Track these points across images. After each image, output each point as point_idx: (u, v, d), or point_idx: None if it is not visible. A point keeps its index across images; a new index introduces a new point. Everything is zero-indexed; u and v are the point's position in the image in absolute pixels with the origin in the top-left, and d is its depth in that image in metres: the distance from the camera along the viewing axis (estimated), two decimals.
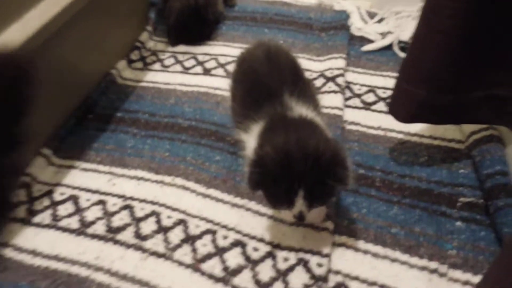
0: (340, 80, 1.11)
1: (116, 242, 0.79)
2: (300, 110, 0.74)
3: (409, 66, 0.77)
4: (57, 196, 0.88)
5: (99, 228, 0.82)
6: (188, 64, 1.25)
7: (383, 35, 1.27)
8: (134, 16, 1.29)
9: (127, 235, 0.80)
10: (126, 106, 1.11)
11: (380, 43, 1.24)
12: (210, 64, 1.23)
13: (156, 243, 0.78)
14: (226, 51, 1.28)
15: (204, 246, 0.77)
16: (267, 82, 0.77)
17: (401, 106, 0.82)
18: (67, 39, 0.94)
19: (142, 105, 1.11)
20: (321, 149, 0.64)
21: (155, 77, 1.20)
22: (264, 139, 0.69)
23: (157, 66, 1.25)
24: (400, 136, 0.97)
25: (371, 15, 1.36)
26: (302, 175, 0.64)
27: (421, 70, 0.75)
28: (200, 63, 1.24)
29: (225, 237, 0.79)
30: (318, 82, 1.12)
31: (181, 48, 1.31)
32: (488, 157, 0.83)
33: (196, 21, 1.30)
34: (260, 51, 0.83)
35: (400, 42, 1.22)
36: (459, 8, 0.65)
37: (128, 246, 0.78)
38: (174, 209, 0.84)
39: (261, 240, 0.78)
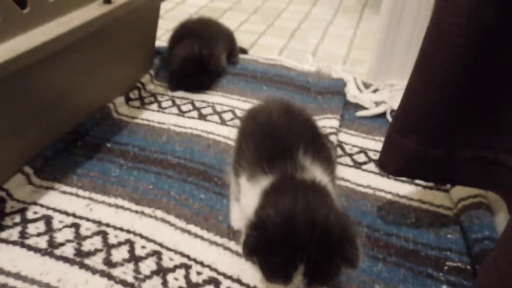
0: (332, 138, 1.11)
1: (83, 266, 0.74)
2: (313, 172, 0.66)
3: (401, 117, 0.78)
4: (30, 214, 0.84)
5: (68, 250, 0.77)
6: (185, 108, 1.26)
7: (377, 103, 1.30)
8: (138, 59, 1.33)
9: (95, 261, 0.75)
10: (117, 138, 1.10)
11: (374, 110, 1.27)
12: (206, 111, 1.25)
13: (125, 272, 0.74)
14: (223, 101, 1.30)
15: (175, 280, 0.73)
16: (283, 136, 0.70)
17: (390, 158, 0.82)
18: (65, 65, 0.95)
19: (133, 139, 1.10)
20: (331, 221, 0.57)
21: (151, 116, 1.21)
22: (268, 200, 0.62)
23: (154, 106, 1.26)
24: (389, 196, 0.96)
25: (366, 86, 1.41)
26: (306, 248, 0.55)
27: (412, 121, 0.76)
28: (197, 109, 1.25)
29: (199, 273, 0.74)
30: None
31: (180, 93, 1.33)
32: (477, 222, 0.81)
33: (198, 70, 1.33)
34: (279, 105, 0.78)
35: (393, 111, 1.25)
36: (453, 62, 0.67)
37: (95, 271, 0.73)
38: (150, 240, 0.80)
39: (237, 280, 0.74)
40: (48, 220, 0.83)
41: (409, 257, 0.80)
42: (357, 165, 1.06)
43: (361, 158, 1.09)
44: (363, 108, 1.30)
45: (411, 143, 0.77)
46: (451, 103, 0.71)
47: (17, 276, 0.72)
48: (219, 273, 0.75)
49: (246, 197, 0.69)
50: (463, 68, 0.67)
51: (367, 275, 0.77)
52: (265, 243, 0.57)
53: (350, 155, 1.10)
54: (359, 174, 1.02)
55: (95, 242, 0.79)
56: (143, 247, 0.79)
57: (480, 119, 0.73)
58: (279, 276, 0.58)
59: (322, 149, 0.73)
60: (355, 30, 1.92)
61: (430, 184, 0.99)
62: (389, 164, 0.83)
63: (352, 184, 0.99)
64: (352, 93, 1.36)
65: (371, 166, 1.06)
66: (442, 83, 0.69)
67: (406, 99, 0.78)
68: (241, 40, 1.70)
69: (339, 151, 1.11)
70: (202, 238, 0.82)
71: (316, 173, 0.66)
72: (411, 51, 1.33)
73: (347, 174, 1.02)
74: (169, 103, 1.28)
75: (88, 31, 0.93)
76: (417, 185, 0.99)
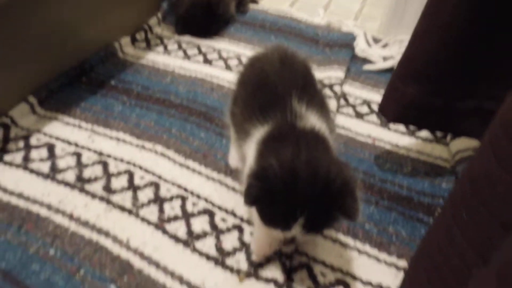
0: (336, 88, 1.11)
1: (83, 191, 0.76)
2: (309, 119, 0.65)
3: (405, 63, 0.78)
4: (33, 141, 0.86)
5: (69, 176, 0.79)
6: (190, 52, 1.25)
7: (385, 59, 1.29)
8: (145, 1, 1.31)
9: (95, 187, 0.77)
10: (122, 76, 1.10)
11: (381, 64, 1.26)
12: (212, 56, 1.24)
13: (123, 199, 0.76)
14: (230, 47, 1.29)
15: (172, 209, 0.75)
16: (276, 84, 0.68)
17: (391, 104, 0.82)
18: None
19: (138, 78, 1.10)
20: (333, 175, 0.56)
21: (156, 58, 1.20)
22: (269, 150, 0.61)
23: (160, 49, 1.25)
24: (388, 146, 0.96)
25: (376, 40, 1.39)
26: (307, 200, 0.55)
27: (414, 69, 0.75)
28: (203, 53, 1.25)
29: (194, 204, 0.76)
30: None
31: (186, 38, 1.32)
32: None
33: (206, 15, 1.32)
34: (276, 53, 0.75)
35: None
36: (454, 12, 0.66)
37: (95, 196, 0.76)
38: (149, 172, 0.82)
39: (231, 213, 0.76)
40: (50, 147, 0.85)
41: (402, 202, 0.82)
42: (359, 115, 1.06)
43: (364, 109, 1.09)
44: (371, 62, 1.29)
45: (412, 90, 0.77)
46: (453, 52, 0.70)
47: (20, 195, 0.74)
48: (214, 205, 0.77)
49: (241, 146, 0.69)
50: (466, 16, 0.66)
51: None
52: (267, 193, 0.56)
53: (353, 106, 1.10)
54: (360, 124, 1.03)
55: (96, 170, 0.81)
56: (142, 177, 0.81)
57: (483, 70, 0.73)
58: (278, 225, 0.59)
59: (317, 97, 0.72)
60: None
61: (430, 136, 0.99)
62: (389, 110, 0.83)
63: (352, 132, 1.00)
64: (361, 47, 1.34)
65: (373, 117, 1.06)
66: (444, 32, 0.69)
67: (410, 47, 0.77)
68: None
69: (342, 102, 1.10)
70: (199, 173, 0.83)
71: (312, 120, 0.66)
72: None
73: (348, 123, 1.03)
74: (175, 46, 1.27)
75: None
76: (417, 137, 0.99)
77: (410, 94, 0.78)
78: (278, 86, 0.67)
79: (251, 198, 0.57)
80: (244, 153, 0.69)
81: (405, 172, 0.90)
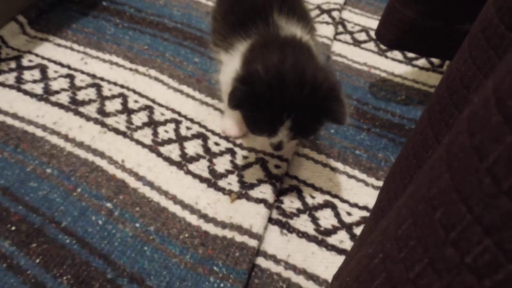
0: (335, 13, 1.08)
1: (78, 113, 0.77)
2: (292, 29, 0.65)
3: None
4: (25, 62, 0.85)
5: (63, 98, 0.79)
6: None
7: None
8: None
9: (89, 109, 0.78)
10: None
11: None
12: None
13: (118, 121, 0.76)
14: None
15: (166, 132, 0.76)
16: None
17: (388, 28, 0.80)
18: None
19: (131, 0, 1.06)
20: (319, 79, 0.57)
21: None
22: (254, 57, 0.61)
23: None
24: (383, 74, 0.96)
25: None
26: (294, 104, 0.56)
27: None
28: None
29: (188, 128, 0.77)
30: (313, 14, 1.10)
31: None
32: None
33: None
34: None
35: None
36: None
37: (89, 118, 0.76)
38: (143, 96, 0.82)
39: (224, 137, 0.77)
40: (43, 69, 0.84)
41: (393, 129, 0.83)
42: (357, 43, 1.04)
43: (361, 36, 1.07)
44: None
45: (410, 12, 0.75)
46: None
47: (15, 116, 0.75)
48: (207, 130, 0.78)
49: (227, 66, 0.69)
50: None
51: (349, 142, 0.80)
52: (252, 97, 0.57)
53: (351, 33, 1.07)
54: (357, 52, 1.01)
55: (90, 93, 0.81)
56: (136, 101, 0.81)
57: None
58: (264, 130, 0.60)
59: (296, 5, 0.70)
60: None
61: (427, 65, 0.98)
62: (386, 33, 0.81)
63: (349, 60, 0.98)
64: None
65: (371, 45, 1.04)
66: None
67: None
68: None
69: (340, 28, 1.08)
70: (193, 98, 0.83)
71: (294, 30, 0.65)
72: None
73: (344, 51, 1.01)
74: None
75: None
76: (414, 65, 0.98)
77: (408, 17, 0.76)
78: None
79: (235, 101, 0.57)
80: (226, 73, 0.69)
81: (398, 100, 0.90)
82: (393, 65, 0.98)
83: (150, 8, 1.05)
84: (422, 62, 0.99)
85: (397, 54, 1.01)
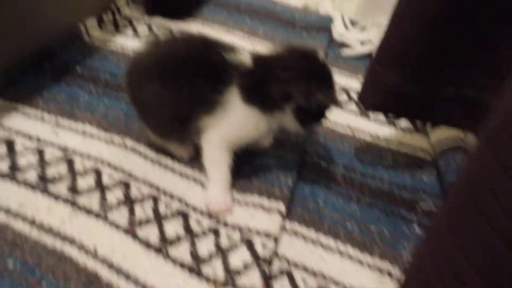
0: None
1: (46, 192, 0.71)
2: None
3: (384, 47, 0.75)
4: None
5: (30, 176, 0.73)
6: (162, 36, 1.18)
7: (363, 43, 1.25)
8: None
9: (60, 187, 0.72)
10: (88, 62, 1.03)
11: (359, 49, 1.23)
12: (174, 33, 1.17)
13: (90, 200, 0.71)
14: (203, 30, 1.23)
15: (143, 211, 0.70)
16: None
17: (370, 92, 0.78)
18: None
19: (106, 65, 1.03)
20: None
21: (125, 42, 1.13)
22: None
23: (129, 31, 1.18)
24: (367, 138, 0.94)
25: (354, 23, 1.35)
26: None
27: (394, 52, 0.72)
28: None
29: (167, 205, 0.72)
30: None
31: (157, 20, 1.25)
32: (454, 166, 0.80)
33: None
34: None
35: None
36: None
37: (59, 198, 0.70)
38: (118, 169, 0.77)
39: (206, 214, 0.71)
40: (9, 143, 0.78)
41: (383, 198, 0.80)
42: (337, 104, 1.03)
43: (341, 97, 1.05)
44: (349, 46, 1.25)
45: (393, 76, 0.73)
46: (432, 36, 0.67)
47: None
48: (188, 206, 0.72)
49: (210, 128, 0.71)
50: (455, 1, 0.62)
51: (340, 214, 0.76)
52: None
53: None
54: (338, 114, 1.00)
55: (60, 169, 0.75)
56: (110, 175, 0.75)
57: (464, 55, 0.70)
58: None
59: None
60: None
61: (410, 126, 0.97)
62: (369, 98, 0.79)
63: (331, 123, 0.96)
64: (339, 31, 1.30)
65: (352, 106, 1.03)
66: (421, 15, 0.66)
67: (388, 31, 0.74)
68: None
69: None
70: (172, 170, 0.79)
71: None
72: None
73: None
74: (145, 29, 1.20)
75: None
76: (397, 127, 0.97)
77: (390, 81, 0.75)
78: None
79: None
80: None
81: (385, 165, 0.87)
82: (376, 127, 0.97)
83: None
84: (405, 123, 0.98)
85: (379, 116, 1.00)
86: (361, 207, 0.77)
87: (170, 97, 0.69)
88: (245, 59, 0.70)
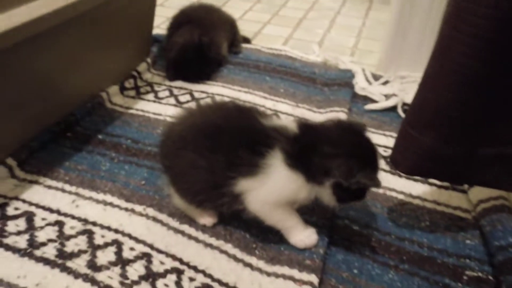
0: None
1: (65, 269, 0.67)
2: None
3: (416, 109, 0.71)
4: (10, 210, 0.78)
5: (49, 251, 0.70)
6: (183, 98, 1.19)
7: (387, 96, 1.23)
8: (133, 46, 1.25)
9: (79, 263, 0.68)
10: (110, 129, 1.03)
11: (384, 103, 1.20)
12: (205, 102, 1.17)
13: (111, 276, 0.67)
14: (224, 91, 1.23)
15: (166, 286, 0.66)
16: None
17: (404, 155, 0.74)
18: (49, 49, 0.87)
19: (127, 130, 1.03)
20: None
21: (146, 107, 1.13)
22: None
23: (150, 96, 1.19)
24: (400, 196, 0.88)
25: (376, 77, 1.33)
26: None
27: (428, 114, 0.68)
28: (195, 99, 1.18)
29: (192, 279, 0.67)
30: None
31: (178, 83, 1.26)
32: (500, 227, 0.74)
33: (198, 58, 1.26)
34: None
35: (404, 104, 1.18)
36: (476, 46, 0.59)
37: (78, 275, 0.67)
38: (139, 241, 0.73)
39: (233, 287, 0.66)
40: (29, 217, 0.76)
41: (424, 264, 0.73)
42: None
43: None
44: (373, 101, 1.22)
45: (427, 138, 0.69)
46: (469, 94, 0.63)
47: None
48: (213, 280, 0.68)
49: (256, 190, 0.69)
50: (489, 54, 0.59)
51: (377, 283, 0.70)
52: None
53: None
54: None
55: (80, 243, 0.72)
56: (131, 248, 0.72)
57: (504, 112, 0.66)
58: None
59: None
60: (363, 20, 1.83)
61: (445, 183, 0.91)
62: (402, 161, 0.75)
63: None
64: (361, 85, 1.28)
65: (382, 164, 0.98)
66: (464, 71, 0.62)
67: (422, 90, 0.70)
68: (245, 29, 1.62)
69: None
70: (196, 239, 0.75)
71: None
72: (425, 41, 1.25)
73: None
74: (166, 93, 1.20)
75: (75, 13, 0.86)
76: (431, 184, 0.91)
77: (425, 143, 0.70)
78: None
79: None
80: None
81: (423, 227, 0.81)
82: (409, 185, 0.91)
83: (148, 138, 1.01)
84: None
85: None
86: (400, 276, 0.71)
87: (206, 164, 0.68)
88: (290, 125, 0.69)
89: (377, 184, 0.66)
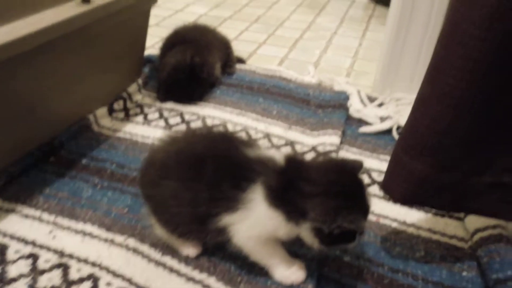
0: (332, 156, 1.01)
1: None
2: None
3: (410, 135, 0.67)
4: None
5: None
6: (173, 121, 1.16)
7: (382, 119, 1.20)
8: (124, 67, 1.23)
9: None
10: (95, 153, 1.00)
11: (378, 126, 1.16)
12: (196, 124, 1.14)
13: None
14: (215, 113, 1.20)
15: None
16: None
17: (396, 182, 0.70)
18: (34, 69, 0.84)
19: (113, 154, 0.99)
20: None
21: (134, 129, 1.10)
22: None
23: (139, 118, 1.16)
24: (394, 224, 0.85)
25: (371, 99, 1.30)
26: None
27: (423, 140, 0.65)
28: (185, 122, 1.15)
29: None
30: (309, 156, 1.02)
31: (169, 105, 1.23)
32: (498, 259, 0.70)
33: (189, 79, 1.23)
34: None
35: (399, 127, 1.14)
36: (473, 70, 0.56)
37: None
38: (117, 275, 0.69)
39: None
40: (2, 249, 0.72)
41: None
42: None
43: (363, 180, 0.97)
44: (367, 123, 1.19)
45: (421, 165, 0.66)
46: (463, 119, 0.60)
47: None
48: None
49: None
50: (485, 77, 0.56)
51: None
52: None
53: None
54: None
55: (53, 277, 0.68)
56: (108, 284, 0.68)
57: (499, 138, 0.62)
58: None
59: None
60: (360, 41, 1.82)
61: (441, 211, 0.87)
62: (395, 189, 0.71)
63: None
64: (355, 107, 1.25)
65: (375, 189, 0.95)
66: (459, 95, 0.59)
67: (415, 115, 0.67)
68: (240, 49, 1.60)
69: None
70: (178, 273, 0.71)
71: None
72: (420, 62, 1.23)
73: None
74: (156, 115, 1.18)
75: (62, 32, 0.84)
76: (427, 211, 0.88)
77: (419, 171, 0.67)
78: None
79: None
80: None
81: (417, 257, 0.77)
82: (403, 212, 0.88)
83: (134, 162, 0.97)
84: None
85: None
86: None
87: (189, 196, 0.64)
88: (277, 156, 0.65)
89: (359, 229, 0.61)
